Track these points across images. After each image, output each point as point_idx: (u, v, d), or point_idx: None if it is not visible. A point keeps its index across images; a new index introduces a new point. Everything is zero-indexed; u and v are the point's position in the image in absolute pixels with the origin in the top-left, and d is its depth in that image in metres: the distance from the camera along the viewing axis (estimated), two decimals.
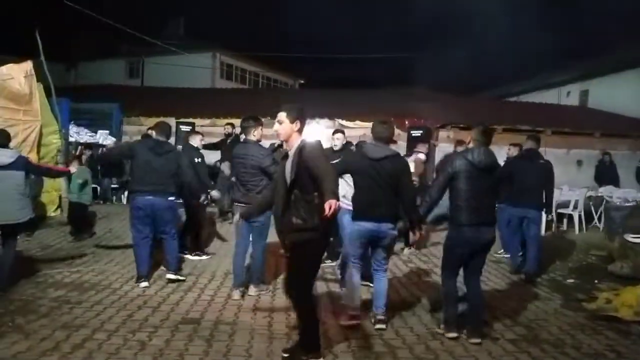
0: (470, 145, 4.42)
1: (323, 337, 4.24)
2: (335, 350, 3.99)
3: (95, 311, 4.71)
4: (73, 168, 6.26)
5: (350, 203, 5.83)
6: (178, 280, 5.66)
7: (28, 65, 8.76)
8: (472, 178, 4.20)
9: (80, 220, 7.91)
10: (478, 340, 4.17)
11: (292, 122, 3.57)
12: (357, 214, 4.44)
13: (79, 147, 10.25)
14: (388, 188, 4.34)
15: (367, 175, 4.36)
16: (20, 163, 5.14)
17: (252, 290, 5.28)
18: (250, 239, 5.23)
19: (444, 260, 4.48)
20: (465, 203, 4.19)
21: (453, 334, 4.23)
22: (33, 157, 7.84)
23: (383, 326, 4.42)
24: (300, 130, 3.60)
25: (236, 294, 5.17)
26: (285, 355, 3.70)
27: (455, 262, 4.36)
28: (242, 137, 5.70)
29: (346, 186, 5.87)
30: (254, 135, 5.27)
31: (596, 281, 6.30)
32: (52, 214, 9.02)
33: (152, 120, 13.31)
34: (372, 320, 4.50)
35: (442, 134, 12.94)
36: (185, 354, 3.82)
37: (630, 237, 6.95)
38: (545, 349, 4.18)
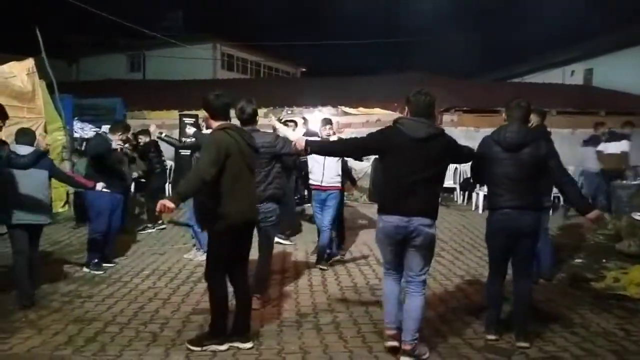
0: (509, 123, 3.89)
1: (337, 324, 4.28)
2: (345, 336, 4.02)
3: (106, 304, 4.77)
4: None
5: (313, 178, 5.86)
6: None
7: (30, 62, 8.77)
8: (502, 159, 3.79)
9: (81, 208, 7.98)
10: (526, 345, 3.79)
11: (205, 110, 3.77)
12: (383, 207, 3.62)
13: (83, 143, 10.31)
14: (427, 175, 3.51)
15: (405, 158, 3.51)
16: (44, 163, 5.00)
17: (256, 302, 4.41)
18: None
19: (488, 254, 4.12)
20: (498, 187, 3.84)
21: (492, 336, 3.94)
22: None
23: (408, 359, 3.54)
24: (211, 118, 3.75)
25: None
26: (191, 347, 3.72)
27: (496, 253, 3.97)
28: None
29: (311, 161, 5.87)
30: (256, 122, 4.64)
31: (604, 260, 6.29)
32: (60, 210, 9.08)
33: (156, 114, 13.37)
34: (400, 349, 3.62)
35: (446, 117, 12.88)
36: None
37: (637, 216, 6.93)
38: (553, 328, 4.20)
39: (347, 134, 11.37)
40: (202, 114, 12.01)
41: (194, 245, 6.56)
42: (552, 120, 12.82)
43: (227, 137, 3.64)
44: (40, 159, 4.93)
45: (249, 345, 3.74)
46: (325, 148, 4.51)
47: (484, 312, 4.20)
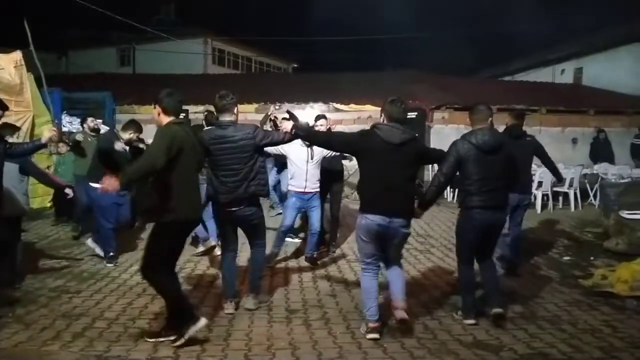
0: (477, 127, 4.18)
1: (327, 320, 4.29)
2: (334, 332, 4.04)
3: (94, 300, 4.73)
4: (63, 149, 6.34)
5: (295, 184, 5.78)
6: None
7: (17, 55, 8.67)
8: (479, 161, 4.07)
9: (63, 203, 7.86)
10: (501, 310, 4.18)
11: (154, 106, 3.76)
12: (365, 206, 3.92)
13: (71, 136, 10.21)
14: (404, 178, 3.88)
15: (381, 161, 3.83)
16: None
17: (251, 302, 4.48)
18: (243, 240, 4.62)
19: (457, 247, 4.42)
20: (473, 187, 4.08)
21: (471, 321, 4.20)
22: None
23: (404, 315, 3.95)
24: (162, 113, 3.73)
25: (230, 307, 4.40)
26: (150, 340, 3.73)
27: (468, 247, 4.27)
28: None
29: (292, 167, 5.79)
30: (235, 114, 4.35)
31: (592, 258, 6.36)
32: (48, 204, 8.99)
33: (145, 108, 13.24)
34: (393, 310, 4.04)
35: (437, 115, 12.92)
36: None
37: (625, 214, 7.00)
38: (541, 325, 4.23)
39: (338, 130, 11.38)
40: (192, 108, 12.00)
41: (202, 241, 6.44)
42: (542, 118, 12.98)
43: (181, 131, 3.67)
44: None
45: (177, 341, 3.68)
46: (310, 134, 4.57)
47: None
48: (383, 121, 3.96)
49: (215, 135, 4.23)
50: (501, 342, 3.88)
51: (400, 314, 3.95)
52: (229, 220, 4.35)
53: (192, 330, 3.65)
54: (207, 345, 3.74)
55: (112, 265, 5.85)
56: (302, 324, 4.20)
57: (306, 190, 5.76)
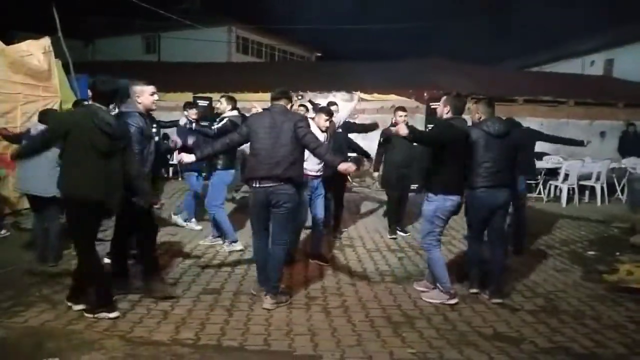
0: (482, 117, 4.65)
1: (346, 308, 4.31)
2: (353, 320, 4.05)
3: None
4: None
5: (313, 169, 5.41)
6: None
7: (46, 41, 8.79)
8: (487, 145, 4.49)
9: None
10: (499, 300, 4.48)
11: (91, 91, 3.99)
12: (449, 188, 4.40)
13: None
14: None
15: (461, 150, 4.42)
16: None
17: (268, 301, 4.22)
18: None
19: (468, 224, 4.81)
20: (480, 168, 4.48)
21: (474, 290, 4.69)
22: None
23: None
24: (92, 98, 3.96)
25: (267, 302, 4.23)
26: (86, 314, 3.92)
27: (477, 223, 4.68)
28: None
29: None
30: (291, 104, 4.56)
31: (618, 253, 6.24)
32: None
33: (170, 96, 13.38)
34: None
35: None
36: (206, 323, 3.90)
37: None
38: (564, 320, 4.18)
39: (361, 119, 11.33)
40: (215, 96, 12.06)
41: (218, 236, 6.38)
42: (570, 110, 12.71)
43: (70, 116, 4.06)
44: None
45: (115, 314, 3.92)
46: (419, 136, 4.72)
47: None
48: (448, 113, 4.50)
49: (262, 113, 4.51)
50: (522, 334, 3.85)
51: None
52: (263, 199, 4.17)
53: (103, 316, 3.88)
54: (227, 329, 3.80)
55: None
56: (321, 311, 4.22)
57: (318, 173, 5.45)
